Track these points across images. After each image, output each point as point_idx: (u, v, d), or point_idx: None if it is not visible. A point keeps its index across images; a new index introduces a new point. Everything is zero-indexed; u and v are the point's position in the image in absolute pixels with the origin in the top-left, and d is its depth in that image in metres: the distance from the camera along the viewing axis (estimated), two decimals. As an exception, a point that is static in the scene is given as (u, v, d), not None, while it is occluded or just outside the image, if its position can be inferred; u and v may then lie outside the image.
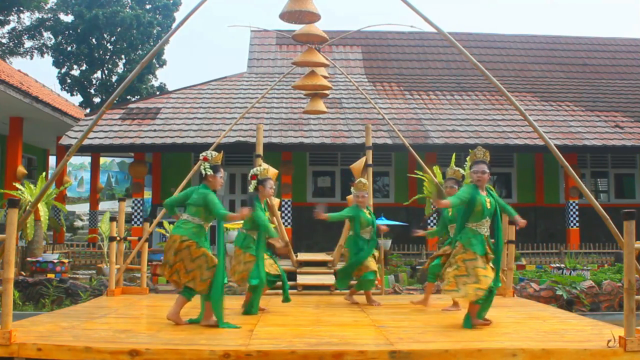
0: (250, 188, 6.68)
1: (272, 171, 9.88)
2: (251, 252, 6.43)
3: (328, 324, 5.93)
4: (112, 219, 8.60)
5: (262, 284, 6.32)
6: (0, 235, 4.74)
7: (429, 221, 14.12)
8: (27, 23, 31.17)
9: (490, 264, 5.67)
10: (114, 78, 31.80)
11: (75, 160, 39.42)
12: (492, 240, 5.77)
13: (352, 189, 7.72)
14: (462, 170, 7.45)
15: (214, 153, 5.93)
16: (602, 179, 17.70)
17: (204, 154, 5.93)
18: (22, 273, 10.17)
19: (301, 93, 12.87)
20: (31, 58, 32.75)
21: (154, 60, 31.04)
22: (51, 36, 31.31)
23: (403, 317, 6.55)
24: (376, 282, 7.73)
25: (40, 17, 31.02)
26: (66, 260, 10.55)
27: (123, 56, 31.99)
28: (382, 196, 16.55)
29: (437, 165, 11.77)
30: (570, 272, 10.58)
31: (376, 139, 13.48)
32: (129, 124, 14.61)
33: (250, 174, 6.72)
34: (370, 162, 9.75)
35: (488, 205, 5.66)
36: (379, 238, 9.65)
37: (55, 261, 10.11)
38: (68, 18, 31.15)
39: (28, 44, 31.61)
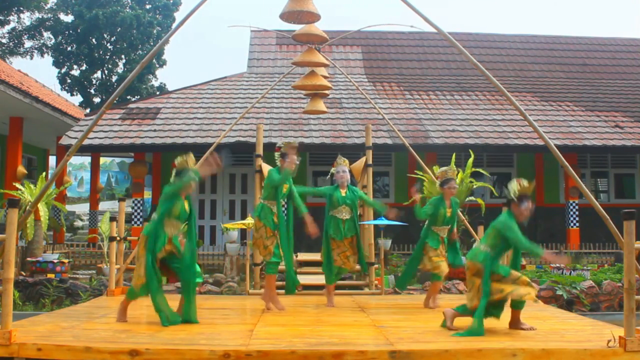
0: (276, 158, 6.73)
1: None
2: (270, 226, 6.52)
3: (328, 324, 5.93)
4: (112, 219, 8.60)
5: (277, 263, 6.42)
6: (0, 235, 4.74)
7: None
8: (27, 23, 31.19)
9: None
10: (114, 78, 31.80)
11: (75, 160, 39.42)
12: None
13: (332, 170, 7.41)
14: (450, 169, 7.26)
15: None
16: (602, 179, 17.70)
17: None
18: (22, 273, 10.17)
19: (301, 93, 12.87)
20: (31, 58, 32.79)
21: (154, 60, 31.03)
22: (51, 36, 31.31)
23: (403, 317, 6.56)
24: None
25: (40, 17, 31.02)
26: (66, 260, 10.53)
27: (123, 56, 31.99)
28: (382, 196, 16.54)
29: (437, 165, 11.77)
30: (570, 272, 10.58)
31: (376, 139, 13.48)
32: (129, 124, 14.62)
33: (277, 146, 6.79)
34: (370, 162, 9.75)
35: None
36: (379, 238, 9.65)
37: (55, 261, 10.10)
38: (68, 18, 31.18)
39: (28, 44, 31.66)
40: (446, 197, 6.95)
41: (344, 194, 7.15)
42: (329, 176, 7.68)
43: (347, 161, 7.43)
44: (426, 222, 7.02)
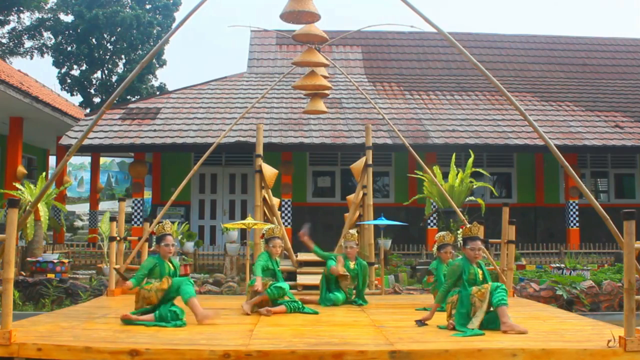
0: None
1: (272, 171, 9.92)
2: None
3: (328, 324, 5.93)
4: (112, 219, 8.60)
5: None
6: (0, 235, 4.74)
7: (429, 221, 14.12)
8: (27, 23, 31.17)
9: None
10: (114, 78, 31.78)
11: (75, 160, 39.43)
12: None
13: (342, 241, 7.84)
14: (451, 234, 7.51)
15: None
16: (602, 179, 17.70)
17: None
18: (22, 273, 10.17)
19: (301, 93, 12.87)
20: (31, 58, 32.75)
21: (154, 60, 31.01)
22: (51, 36, 31.29)
23: (403, 317, 6.54)
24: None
25: (40, 17, 31.00)
26: (66, 260, 10.54)
27: (123, 56, 31.97)
28: (382, 196, 16.55)
29: (437, 165, 11.77)
30: (570, 272, 10.59)
31: (376, 139, 13.48)
32: (129, 124, 14.61)
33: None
34: (370, 162, 9.76)
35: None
36: (379, 238, 9.68)
37: (55, 261, 10.11)
38: (68, 18, 31.16)
39: (28, 44, 31.64)
40: (444, 261, 7.09)
41: (352, 267, 7.61)
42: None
43: (355, 236, 7.87)
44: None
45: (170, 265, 6.10)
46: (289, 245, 10.04)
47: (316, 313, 6.55)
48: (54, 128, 16.98)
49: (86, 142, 13.29)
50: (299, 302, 6.73)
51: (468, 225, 6.09)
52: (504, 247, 8.31)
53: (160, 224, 6.24)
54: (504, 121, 15.35)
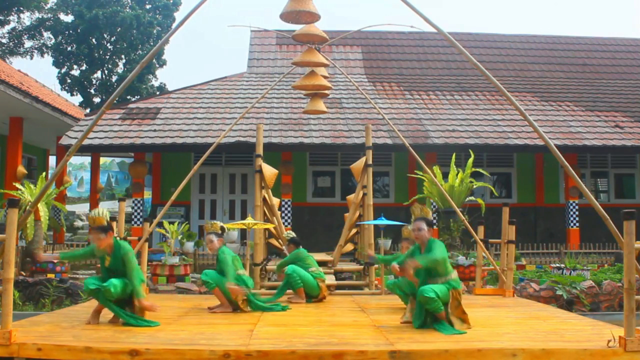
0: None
1: (272, 171, 9.92)
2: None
3: (328, 324, 5.93)
4: (112, 219, 8.59)
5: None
6: (0, 235, 4.74)
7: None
8: (27, 23, 31.19)
9: None
10: (114, 78, 31.79)
11: (75, 160, 39.44)
12: None
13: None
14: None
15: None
16: (602, 179, 17.71)
17: None
18: (22, 273, 10.17)
19: (301, 93, 12.87)
20: (31, 58, 32.76)
21: (154, 60, 31.03)
22: (51, 36, 31.31)
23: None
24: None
25: (40, 17, 31.02)
26: (66, 260, 10.52)
27: (123, 56, 31.99)
28: (382, 196, 16.55)
29: (437, 165, 11.77)
30: (570, 272, 10.57)
31: (376, 139, 13.48)
32: (129, 124, 14.62)
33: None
34: (370, 162, 9.76)
35: None
36: (379, 238, 9.69)
37: (55, 261, 10.10)
38: (68, 18, 31.18)
39: (28, 44, 31.66)
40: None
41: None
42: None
43: (216, 225, 7.86)
44: None
45: (107, 258, 5.90)
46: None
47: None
48: (54, 128, 16.98)
49: (86, 142, 13.30)
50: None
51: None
52: (504, 247, 8.31)
53: (99, 216, 6.08)
54: (504, 121, 15.36)
